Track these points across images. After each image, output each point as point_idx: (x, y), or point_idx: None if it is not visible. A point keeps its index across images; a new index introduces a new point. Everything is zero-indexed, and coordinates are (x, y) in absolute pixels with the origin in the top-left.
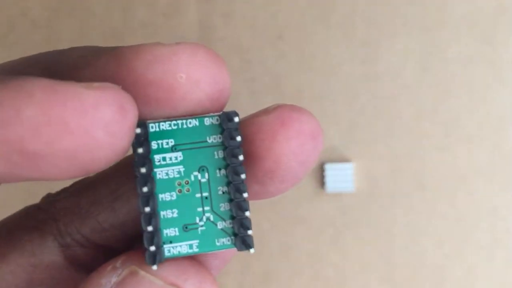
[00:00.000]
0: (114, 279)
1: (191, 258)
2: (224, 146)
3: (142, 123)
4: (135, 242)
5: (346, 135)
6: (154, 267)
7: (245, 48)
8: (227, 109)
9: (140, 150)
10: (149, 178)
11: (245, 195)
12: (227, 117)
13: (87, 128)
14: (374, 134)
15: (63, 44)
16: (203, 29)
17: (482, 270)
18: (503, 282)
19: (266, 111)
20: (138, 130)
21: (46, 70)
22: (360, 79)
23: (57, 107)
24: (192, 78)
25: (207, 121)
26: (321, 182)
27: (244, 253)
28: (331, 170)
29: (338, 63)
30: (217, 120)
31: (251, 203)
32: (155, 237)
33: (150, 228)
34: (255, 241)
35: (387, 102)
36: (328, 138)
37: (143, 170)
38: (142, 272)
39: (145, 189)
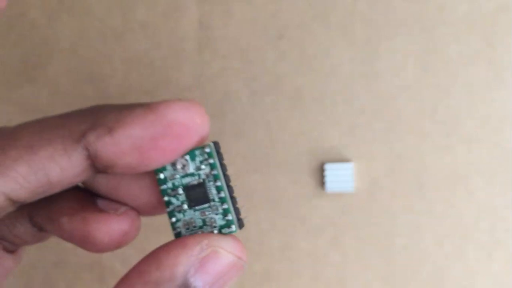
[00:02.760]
0: (201, 254)
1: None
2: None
3: (215, 142)
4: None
5: (346, 135)
6: (236, 230)
7: (245, 48)
8: (227, 107)
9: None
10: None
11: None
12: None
13: (190, 120)
14: (374, 134)
15: (63, 44)
16: (203, 29)
17: (482, 270)
18: (503, 282)
19: None
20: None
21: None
22: (360, 79)
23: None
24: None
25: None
26: (321, 182)
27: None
28: (331, 170)
29: (338, 63)
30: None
31: (250, 197)
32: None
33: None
34: (256, 241)
35: (387, 102)
36: (328, 138)
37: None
38: (221, 250)
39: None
